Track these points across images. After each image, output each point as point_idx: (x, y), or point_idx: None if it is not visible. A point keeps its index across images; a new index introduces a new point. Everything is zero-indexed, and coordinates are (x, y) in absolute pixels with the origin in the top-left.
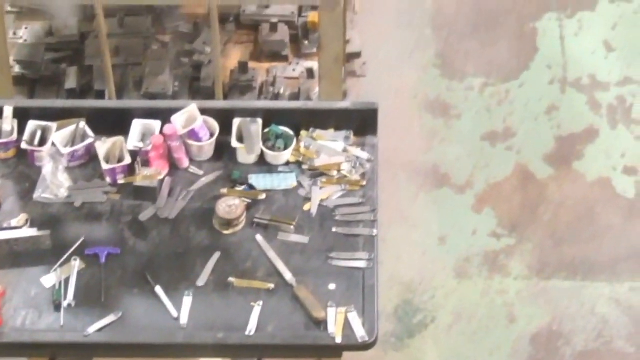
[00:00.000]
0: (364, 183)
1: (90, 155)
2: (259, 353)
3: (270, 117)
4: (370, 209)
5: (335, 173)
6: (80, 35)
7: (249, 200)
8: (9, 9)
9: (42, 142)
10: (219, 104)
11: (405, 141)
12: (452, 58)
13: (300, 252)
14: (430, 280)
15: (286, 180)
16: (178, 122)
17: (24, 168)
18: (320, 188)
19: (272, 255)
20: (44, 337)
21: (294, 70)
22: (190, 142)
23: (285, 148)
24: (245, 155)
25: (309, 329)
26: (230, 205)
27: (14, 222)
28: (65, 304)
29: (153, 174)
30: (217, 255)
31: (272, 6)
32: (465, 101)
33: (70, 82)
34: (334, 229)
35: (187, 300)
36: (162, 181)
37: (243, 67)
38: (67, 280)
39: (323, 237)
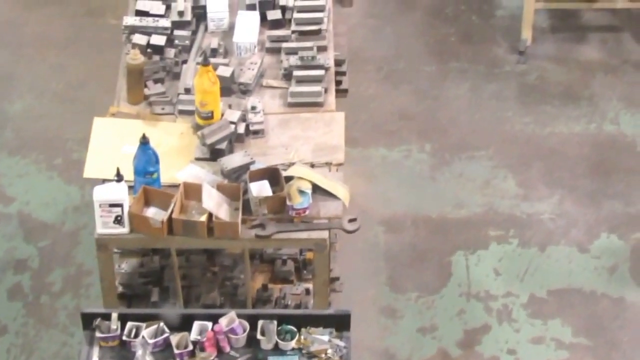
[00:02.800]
0: None
1: (167, 344)
2: None
3: (282, 320)
4: None
5: (323, 356)
6: (161, 267)
7: None
8: (115, 250)
9: (136, 335)
10: (249, 311)
11: (367, 333)
12: (397, 279)
13: None
14: None
15: None
16: (223, 324)
17: (124, 352)
18: None
19: None
20: None
21: (297, 289)
22: (231, 335)
23: (291, 339)
24: (266, 344)
25: None
26: None
27: None
28: None
29: (206, 356)
30: None
31: (283, 248)
32: (406, 307)
33: (154, 297)
34: None
35: None
36: None
37: (264, 287)
38: None
39: None
